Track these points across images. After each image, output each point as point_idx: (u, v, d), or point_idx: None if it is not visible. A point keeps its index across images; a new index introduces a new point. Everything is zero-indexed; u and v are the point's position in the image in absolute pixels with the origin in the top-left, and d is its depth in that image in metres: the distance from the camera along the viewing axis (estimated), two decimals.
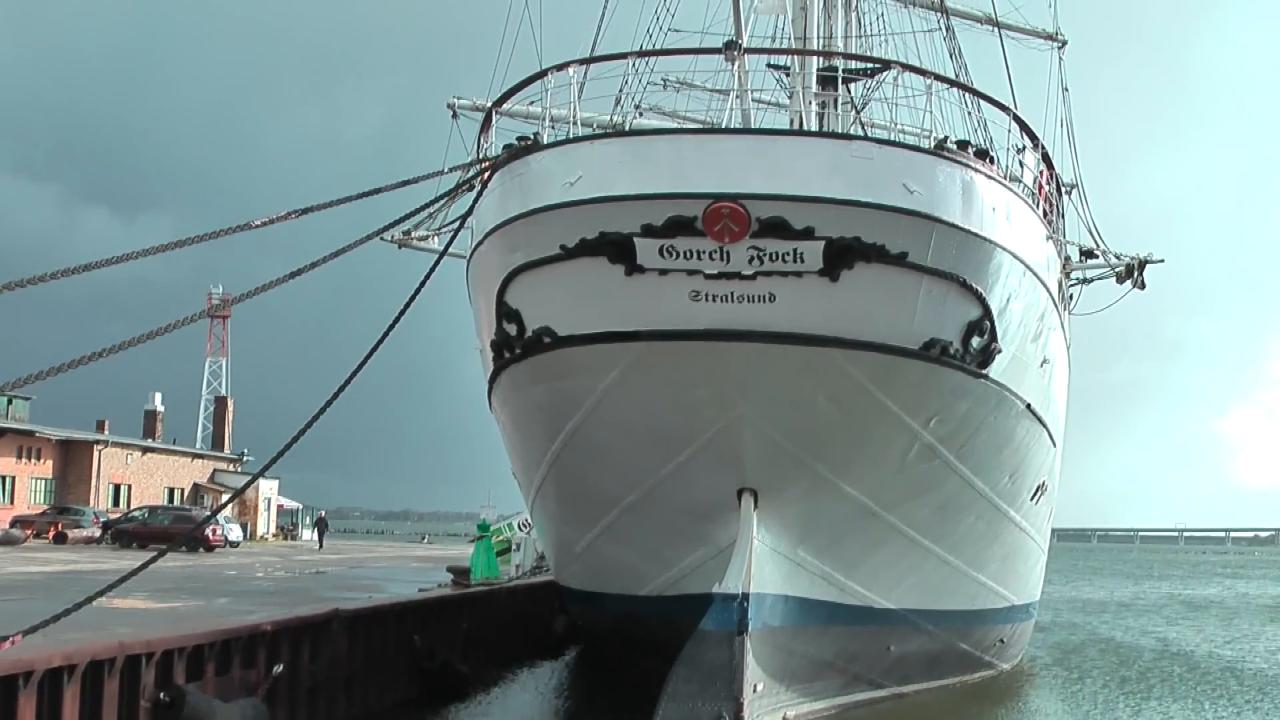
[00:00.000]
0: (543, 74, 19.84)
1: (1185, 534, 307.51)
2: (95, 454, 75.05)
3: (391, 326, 18.92)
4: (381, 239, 20.44)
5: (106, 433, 78.43)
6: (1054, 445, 27.03)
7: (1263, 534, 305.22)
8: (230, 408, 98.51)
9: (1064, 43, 43.54)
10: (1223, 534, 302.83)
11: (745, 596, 19.03)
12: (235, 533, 65.42)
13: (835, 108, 29.91)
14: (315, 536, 73.40)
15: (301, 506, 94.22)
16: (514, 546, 41.34)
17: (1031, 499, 26.59)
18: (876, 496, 20.99)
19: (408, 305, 19.04)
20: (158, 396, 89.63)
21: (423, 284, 19.34)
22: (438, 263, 20.13)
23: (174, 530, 54.64)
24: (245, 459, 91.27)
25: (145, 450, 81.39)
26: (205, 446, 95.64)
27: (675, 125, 34.78)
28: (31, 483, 71.72)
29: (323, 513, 76.24)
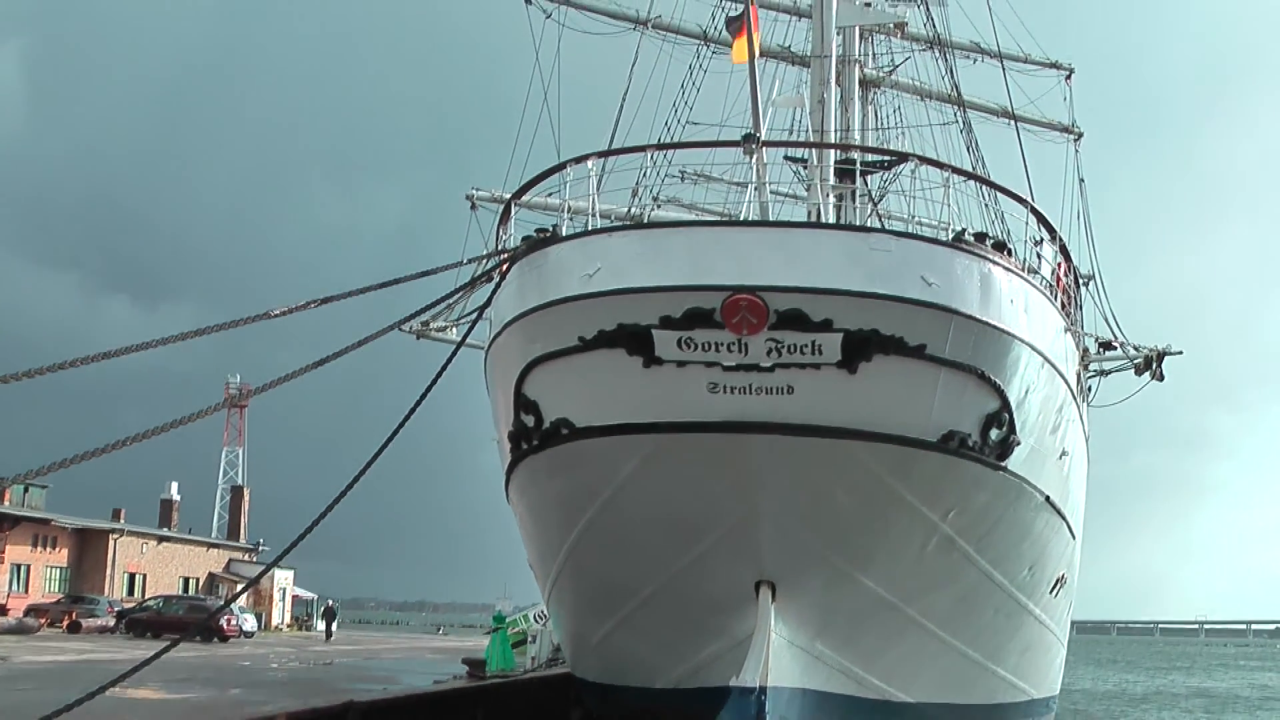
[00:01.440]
0: (561, 166, 19.98)
1: (1206, 626, 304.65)
2: (110, 543, 74.89)
3: (408, 417, 18.90)
4: (400, 330, 20.49)
5: (122, 521, 78.31)
6: (1073, 537, 26.84)
7: None
8: (246, 497, 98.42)
9: (1080, 135, 43.89)
10: (1244, 626, 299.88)
11: (763, 690, 18.83)
12: (250, 623, 65.03)
13: (853, 200, 30.00)
14: (324, 626, 72.84)
15: (316, 597, 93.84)
16: (530, 638, 41.06)
17: (1051, 592, 26.36)
18: (895, 589, 20.81)
19: (424, 395, 19.03)
20: (174, 486, 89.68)
21: (440, 374, 19.35)
22: (455, 353, 20.13)
23: (188, 620, 54.41)
24: (261, 549, 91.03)
25: (160, 539, 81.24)
26: (221, 536, 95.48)
27: (693, 217, 35.04)
28: (46, 571, 71.51)
29: (331, 602, 76.04)
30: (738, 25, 21.03)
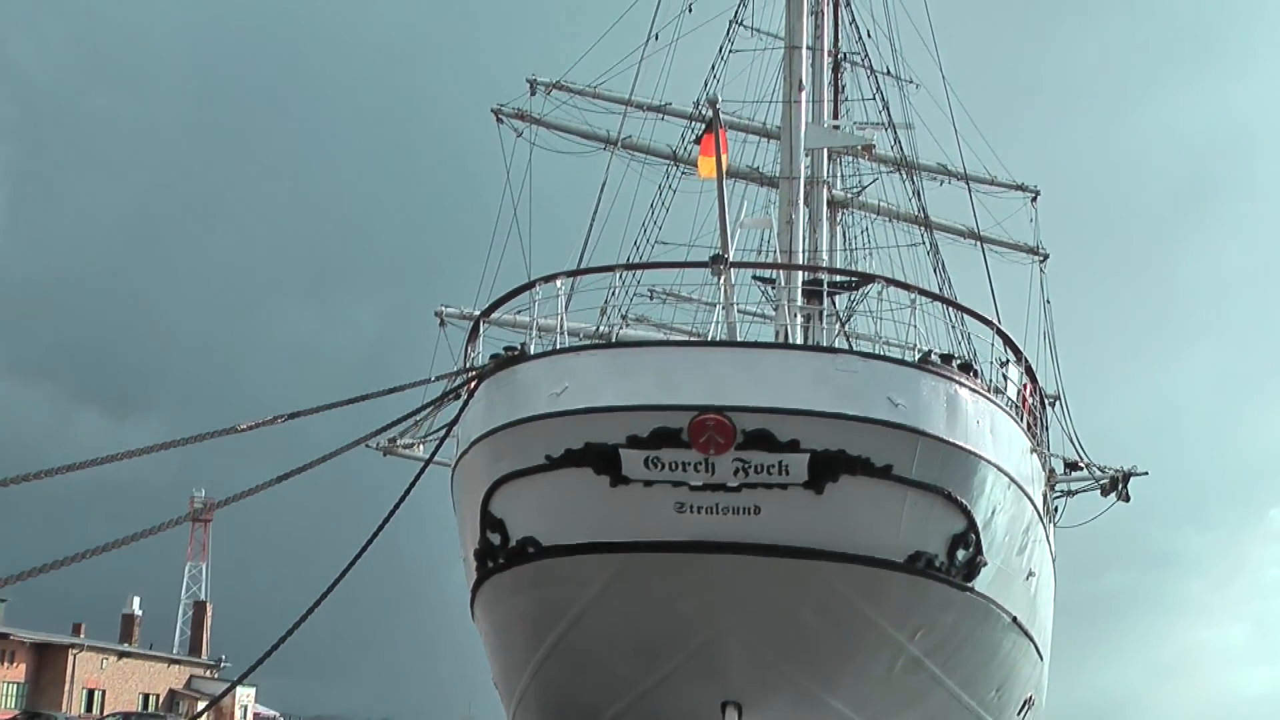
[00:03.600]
0: (530, 285, 20.11)
1: None
2: (70, 658, 73.81)
3: (374, 536, 18.84)
4: (366, 446, 20.45)
5: (82, 636, 77.26)
6: (1041, 659, 26.77)
7: None
8: (209, 613, 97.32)
9: (1046, 257, 44.30)
10: None
11: None
12: None
13: (820, 320, 30.21)
14: None
15: (279, 715, 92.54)
16: None
17: (1019, 713, 26.22)
18: (862, 709, 20.70)
19: (391, 514, 18.99)
20: (136, 600, 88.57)
21: (406, 493, 19.33)
22: (422, 471, 20.11)
23: None
24: (223, 665, 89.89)
25: (121, 655, 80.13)
26: (183, 652, 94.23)
27: (662, 336, 35.16)
28: (3, 686, 70.38)
29: (276, 715, 74.44)
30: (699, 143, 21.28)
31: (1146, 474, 26.56)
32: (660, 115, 36.07)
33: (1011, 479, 20.77)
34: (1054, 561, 29.10)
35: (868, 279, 27.59)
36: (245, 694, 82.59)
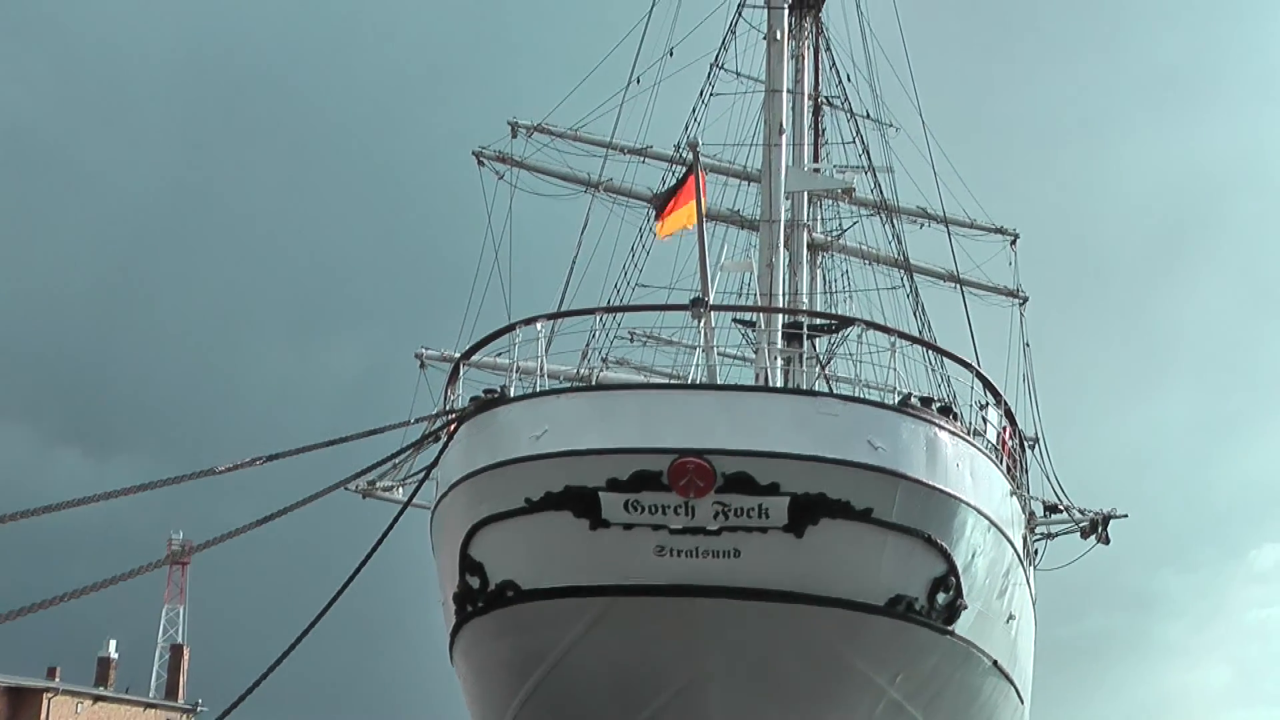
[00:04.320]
0: (511, 328, 20.11)
1: None
2: (44, 702, 73.09)
3: (351, 578, 18.81)
4: (345, 489, 20.40)
5: (57, 680, 76.60)
6: (1022, 702, 26.71)
7: None
8: (186, 656, 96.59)
9: (1025, 299, 44.51)
10: None
11: None
12: None
13: (800, 363, 30.28)
14: None
15: None
16: None
17: None
18: None
19: (369, 556, 18.97)
20: (112, 644, 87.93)
21: (385, 535, 19.31)
22: (401, 513, 20.08)
23: None
24: (200, 709, 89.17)
25: (96, 699, 79.38)
26: (159, 696, 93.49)
27: (642, 379, 35.23)
28: None
29: None
30: (664, 201, 21.40)
31: (1126, 516, 26.63)
32: (641, 158, 36.22)
33: (992, 522, 20.79)
34: (1034, 604, 29.10)
35: (848, 322, 27.69)
36: None
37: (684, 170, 22.00)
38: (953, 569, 19.68)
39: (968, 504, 19.67)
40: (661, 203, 21.80)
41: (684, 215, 20.56)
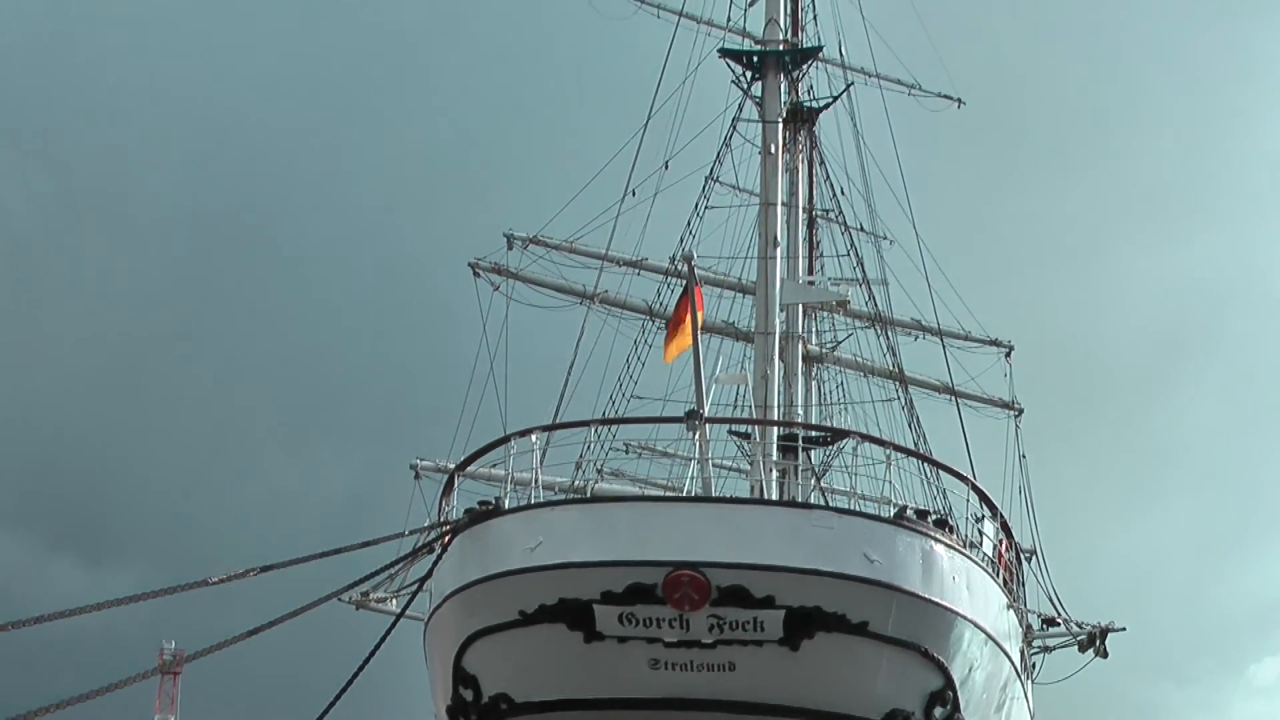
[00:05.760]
0: (506, 439, 20.14)
1: None
2: None
3: (344, 689, 18.80)
4: (339, 600, 20.33)
5: None
6: None
7: None
8: None
9: (1020, 411, 44.40)
10: None
11: None
12: None
13: (796, 475, 30.26)
14: None
15: None
16: None
17: None
18: None
19: (361, 667, 18.94)
20: None
21: (378, 646, 19.27)
22: (394, 625, 20.02)
23: None
24: None
25: None
26: None
27: (637, 490, 35.13)
28: None
29: None
30: (668, 323, 21.55)
31: (1124, 630, 26.51)
32: (636, 270, 36.32)
33: (989, 635, 20.68)
34: (1033, 719, 28.84)
35: (843, 434, 27.71)
36: None
37: (681, 284, 22.17)
38: (950, 683, 19.55)
39: (964, 617, 19.58)
40: (668, 326, 21.95)
41: (685, 337, 20.70)
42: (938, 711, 19.68)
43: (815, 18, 37.41)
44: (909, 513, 19.70)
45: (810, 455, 32.34)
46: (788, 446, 30.20)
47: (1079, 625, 27.31)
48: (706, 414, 19.41)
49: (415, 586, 20.84)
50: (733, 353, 38.42)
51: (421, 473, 34.47)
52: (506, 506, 19.18)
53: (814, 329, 42.07)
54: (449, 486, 21.49)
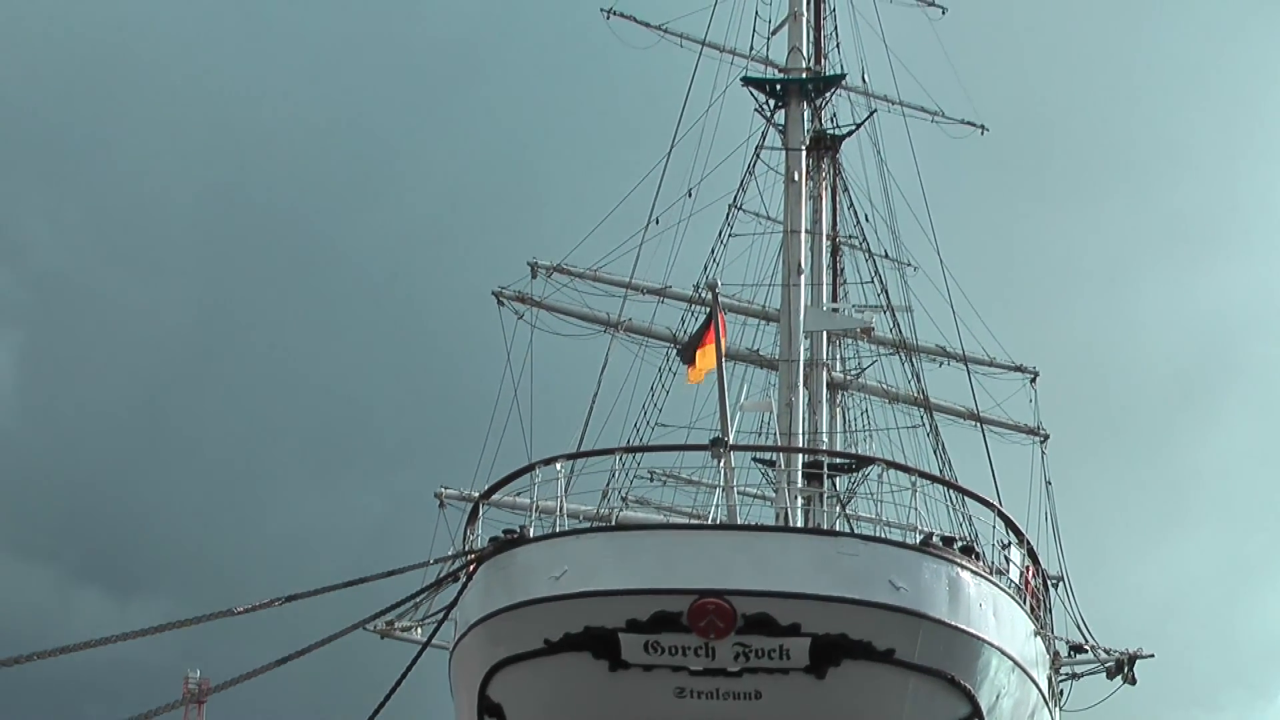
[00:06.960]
0: (530, 468, 20.16)
1: None
2: None
3: (371, 718, 18.70)
4: (364, 629, 20.34)
5: None
6: None
7: None
8: None
9: (1046, 437, 44.21)
10: None
11: None
12: None
13: (821, 502, 30.20)
14: None
15: None
16: None
17: None
18: None
19: (388, 697, 18.93)
20: None
21: (404, 676, 19.26)
22: (420, 654, 20.00)
23: None
24: None
25: None
26: None
27: (662, 518, 35.03)
28: None
29: None
30: (690, 352, 21.54)
31: (1153, 656, 26.35)
32: (660, 298, 36.36)
33: (1016, 662, 20.59)
34: None
35: (868, 461, 27.64)
36: None
37: (705, 312, 22.16)
38: (977, 710, 19.48)
39: (991, 644, 19.50)
40: (688, 349, 21.90)
41: (710, 356, 20.68)
42: None
43: (838, 45, 37.66)
44: (935, 540, 19.57)
45: (835, 482, 32.33)
46: (813, 474, 30.19)
47: (1107, 652, 27.17)
48: (731, 441, 19.40)
49: (440, 615, 20.82)
50: (756, 380, 38.46)
51: (446, 501, 34.44)
52: (531, 535, 19.16)
53: (838, 356, 42.00)
54: (473, 515, 21.48)
